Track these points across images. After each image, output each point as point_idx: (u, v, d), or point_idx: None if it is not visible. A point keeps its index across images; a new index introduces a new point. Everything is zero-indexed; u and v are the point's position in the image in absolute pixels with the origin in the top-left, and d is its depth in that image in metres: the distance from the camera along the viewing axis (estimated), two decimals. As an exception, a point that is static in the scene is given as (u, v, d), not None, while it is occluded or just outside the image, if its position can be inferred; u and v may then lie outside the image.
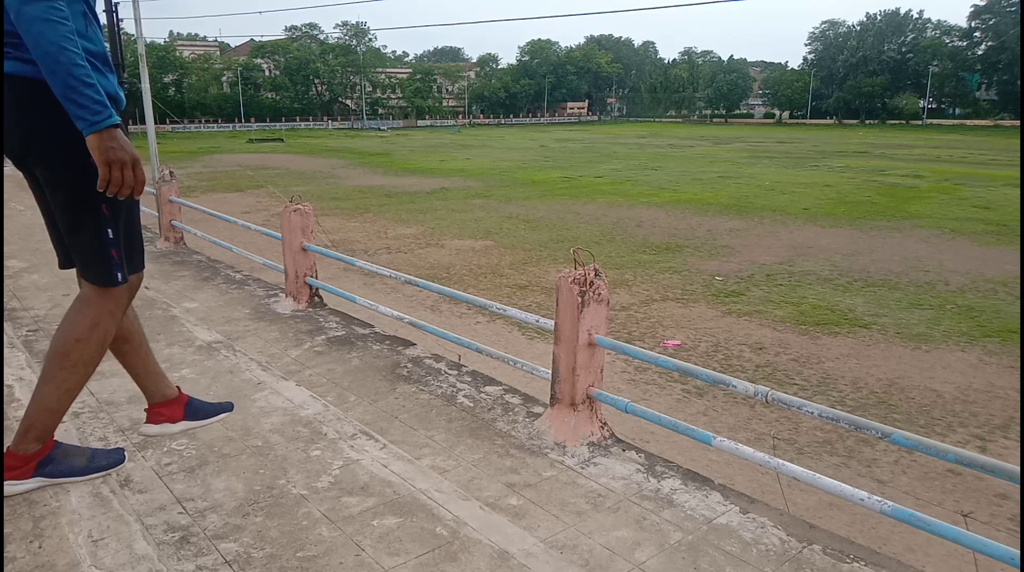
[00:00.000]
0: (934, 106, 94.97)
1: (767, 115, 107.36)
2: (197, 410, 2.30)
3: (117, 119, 1.69)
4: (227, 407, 2.39)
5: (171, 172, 7.16)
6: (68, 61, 1.60)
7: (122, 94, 1.95)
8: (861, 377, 7.88)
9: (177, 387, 2.30)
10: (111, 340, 2.01)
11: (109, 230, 1.86)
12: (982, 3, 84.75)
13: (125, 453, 2.46)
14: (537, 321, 3.37)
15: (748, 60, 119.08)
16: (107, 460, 2.39)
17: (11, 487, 2.11)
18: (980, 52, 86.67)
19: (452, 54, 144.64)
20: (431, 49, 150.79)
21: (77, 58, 1.61)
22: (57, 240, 2.09)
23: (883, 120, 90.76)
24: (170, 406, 2.26)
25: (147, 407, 2.28)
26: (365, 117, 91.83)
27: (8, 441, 2.77)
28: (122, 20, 17.86)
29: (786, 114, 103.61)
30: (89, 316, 1.93)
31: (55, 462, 2.16)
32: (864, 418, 2.24)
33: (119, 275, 1.91)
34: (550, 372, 3.05)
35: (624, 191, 23.75)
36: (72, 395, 2.05)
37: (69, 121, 1.72)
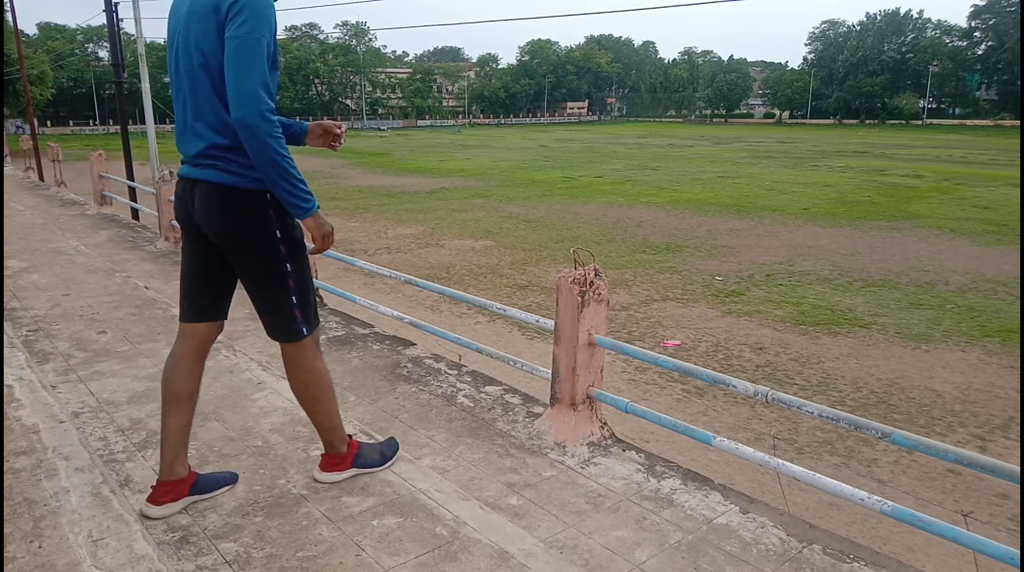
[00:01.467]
0: (934, 106, 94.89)
1: (767, 115, 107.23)
2: (201, 487, 2.42)
3: (319, 205, 2.21)
4: (232, 479, 2.48)
5: (171, 172, 7.15)
6: (287, 166, 2.10)
7: None
8: (861, 377, 7.88)
9: (188, 465, 2.37)
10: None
11: (294, 297, 2.33)
12: (982, 3, 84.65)
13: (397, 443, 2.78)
14: (537, 321, 3.37)
15: (748, 60, 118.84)
16: (390, 449, 2.71)
17: (337, 476, 2.55)
18: (980, 52, 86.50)
19: (452, 54, 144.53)
20: (431, 49, 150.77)
21: (292, 163, 2.11)
22: (198, 297, 2.41)
23: (883, 120, 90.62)
24: (176, 486, 2.30)
25: (155, 483, 2.32)
26: (365, 117, 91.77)
27: (8, 441, 2.79)
28: (122, 20, 17.78)
29: (786, 114, 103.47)
30: (303, 368, 2.39)
31: (362, 457, 2.60)
32: (864, 418, 2.24)
33: (303, 330, 2.36)
34: (550, 372, 3.05)
35: (624, 191, 23.75)
36: (336, 409, 2.50)
37: (264, 222, 2.21)
